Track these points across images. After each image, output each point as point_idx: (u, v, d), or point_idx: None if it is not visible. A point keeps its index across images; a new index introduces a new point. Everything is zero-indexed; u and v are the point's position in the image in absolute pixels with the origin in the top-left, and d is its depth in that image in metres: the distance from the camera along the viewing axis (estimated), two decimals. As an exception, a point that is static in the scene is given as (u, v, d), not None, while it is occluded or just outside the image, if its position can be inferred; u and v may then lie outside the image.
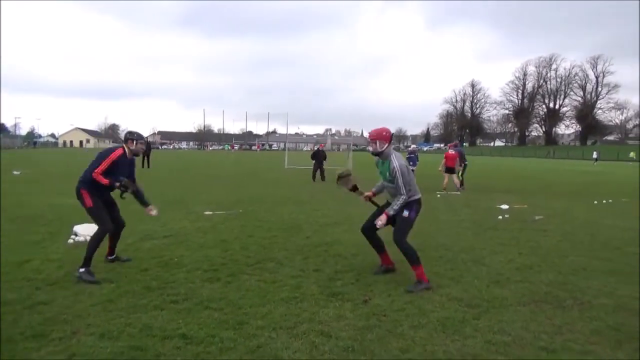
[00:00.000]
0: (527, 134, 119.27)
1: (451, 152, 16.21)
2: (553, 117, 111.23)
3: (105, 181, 5.02)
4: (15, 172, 19.95)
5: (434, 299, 4.52)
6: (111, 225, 5.21)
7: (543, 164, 48.66)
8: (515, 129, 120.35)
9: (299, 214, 9.90)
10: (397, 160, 4.92)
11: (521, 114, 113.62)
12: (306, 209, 10.58)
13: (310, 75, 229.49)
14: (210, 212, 9.77)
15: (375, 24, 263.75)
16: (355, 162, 31.80)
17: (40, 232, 7.30)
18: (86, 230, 6.55)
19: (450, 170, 15.80)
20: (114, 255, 5.66)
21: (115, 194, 5.39)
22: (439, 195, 14.32)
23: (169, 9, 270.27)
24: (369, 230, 5.32)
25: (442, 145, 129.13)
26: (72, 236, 6.81)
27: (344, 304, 4.31)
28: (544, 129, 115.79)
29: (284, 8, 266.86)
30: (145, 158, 25.61)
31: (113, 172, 5.12)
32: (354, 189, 5.49)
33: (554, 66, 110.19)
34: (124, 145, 5.36)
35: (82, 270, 4.86)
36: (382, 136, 5.00)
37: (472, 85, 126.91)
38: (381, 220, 4.97)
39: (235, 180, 19.57)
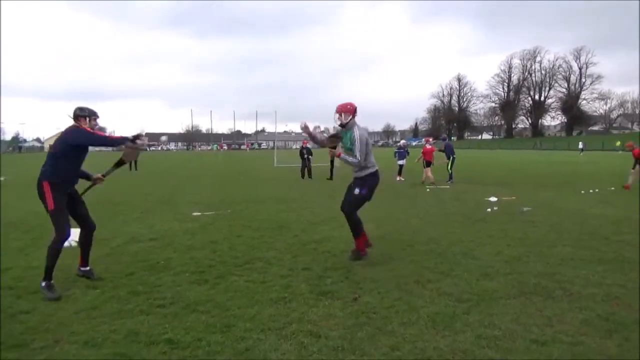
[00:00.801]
0: (513, 126, 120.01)
1: (428, 146, 17.23)
2: (539, 109, 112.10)
3: (114, 137, 4.76)
4: (0, 179, 19.62)
5: (424, 294, 4.49)
6: (69, 231, 4.67)
7: (530, 155, 49.09)
8: (502, 122, 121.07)
9: (288, 212, 9.84)
10: (359, 131, 5.46)
11: (507, 107, 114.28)
12: (295, 207, 10.52)
13: (297, 73, 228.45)
14: (199, 213, 9.67)
15: (360, 21, 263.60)
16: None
17: (22, 239, 7.16)
18: (75, 235, 6.38)
19: (428, 163, 16.60)
20: (88, 267, 5.05)
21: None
22: (428, 190, 14.35)
23: (157, 9, 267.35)
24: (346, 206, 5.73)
25: (430, 139, 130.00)
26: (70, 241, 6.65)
27: (334, 303, 4.26)
28: (530, 121, 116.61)
29: (271, 8, 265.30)
30: (133, 160, 25.34)
31: (73, 152, 4.65)
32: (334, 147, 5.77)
33: (538, 58, 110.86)
34: (77, 124, 4.72)
35: (43, 284, 4.46)
36: (347, 109, 5.55)
37: (459, 79, 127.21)
38: (333, 152, 5.67)
39: (224, 180, 19.44)
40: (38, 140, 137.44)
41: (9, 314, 4.00)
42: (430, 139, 21.75)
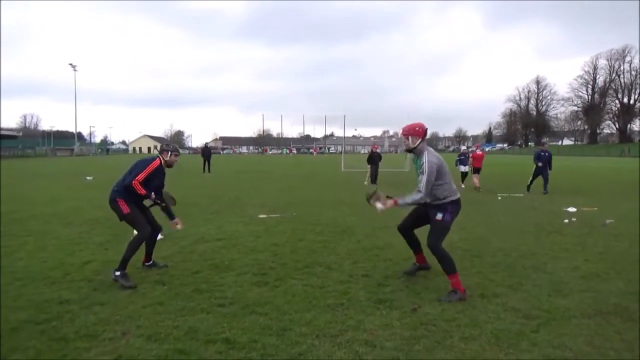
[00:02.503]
0: (598, 131, 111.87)
1: (478, 152, 16.82)
2: (628, 112, 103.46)
3: (142, 191, 5.10)
4: (88, 178, 21.26)
5: (489, 308, 4.27)
6: (150, 229, 5.26)
7: (617, 163, 45.47)
8: (586, 127, 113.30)
9: (352, 216, 9.80)
10: (429, 157, 4.63)
11: (592, 111, 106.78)
12: (360, 212, 10.44)
13: (367, 76, 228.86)
14: (265, 215, 9.88)
15: (434, 23, 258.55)
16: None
17: (104, 235, 7.68)
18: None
19: (476, 169, 16.30)
20: (151, 262, 5.66)
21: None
22: (499, 198, 13.70)
23: (233, 20, 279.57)
24: (405, 228, 5.24)
25: (505, 145, 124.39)
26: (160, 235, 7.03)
27: (392, 312, 4.17)
28: (617, 126, 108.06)
29: (342, 14, 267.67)
30: (206, 163, 26.49)
31: (148, 181, 5.20)
32: (388, 197, 4.94)
33: (627, 58, 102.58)
34: (160, 156, 5.43)
35: (117, 273, 4.91)
36: (415, 131, 4.74)
37: (537, 82, 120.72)
38: (382, 205, 4.76)
39: (291, 183, 19.76)
40: (123, 142, 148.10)
41: (85, 305, 4.29)
42: (480, 144, 21.07)
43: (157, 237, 5.65)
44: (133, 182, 5.06)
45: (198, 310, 4.18)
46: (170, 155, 5.42)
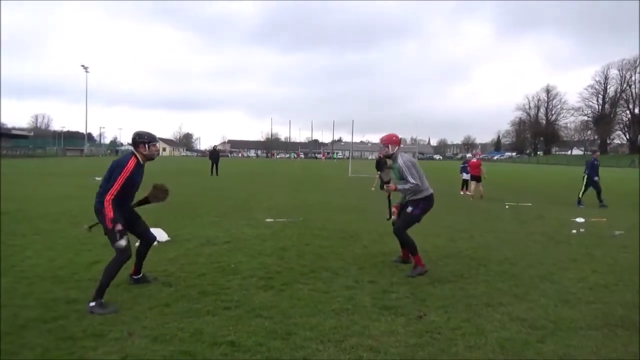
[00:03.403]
0: (608, 141, 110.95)
1: (474, 160, 16.79)
2: (638, 123, 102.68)
3: (111, 214, 4.24)
4: (97, 178, 21.41)
5: (494, 317, 4.25)
6: (129, 254, 4.40)
7: (627, 173, 45.05)
8: (595, 137, 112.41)
9: (359, 222, 9.79)
10: (402, 158, 5.77)
11: (602, 121, 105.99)
12: (367, 218, 10.44)
13: (377, 83, 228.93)
14: (272, 219, 9.90)
15: (446, 32, 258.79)
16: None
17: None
18: (156, 234, 6.79)
19: (475, 178, 16.29)
20: (140, 275, 5.02)
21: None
22: (507, 206, 13.63)
23: (248, 26, 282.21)
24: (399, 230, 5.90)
25: (514, 154, 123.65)
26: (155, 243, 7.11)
27: (397, 319, 4.16)
28: (628, 137, 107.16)
29: (354, 21, 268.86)
30: (214, 165, 26.62)
31: (130, 187, 4.52)
32: (387, 182, 5.97)
33: (639, 69, 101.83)
34: (135, 152, 4.59)
35: (92, 304, 4.13)
36: (393, 140, 5.91)
37: (547, 91, 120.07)
38: (390, 188, 5.85)
39: (299, 187, 19.79)
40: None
41: (92, 304, 4.31)
42: (478, 152, 20.85)
43: (148, 249, 5.06)
44: (105, 200, 4.30)
45: (204, 312, 4.20)
46: (149, 146, 4.60)
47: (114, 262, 4.35)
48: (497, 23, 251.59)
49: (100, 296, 4.21)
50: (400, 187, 5.74)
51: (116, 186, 4.34)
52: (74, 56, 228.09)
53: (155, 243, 5.31)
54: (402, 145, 6.08)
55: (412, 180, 5.61)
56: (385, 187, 5.94)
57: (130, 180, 4.44)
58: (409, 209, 5.80)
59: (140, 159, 4.58)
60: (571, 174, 34.54)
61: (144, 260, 5.06)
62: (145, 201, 5.17)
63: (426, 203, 5.80)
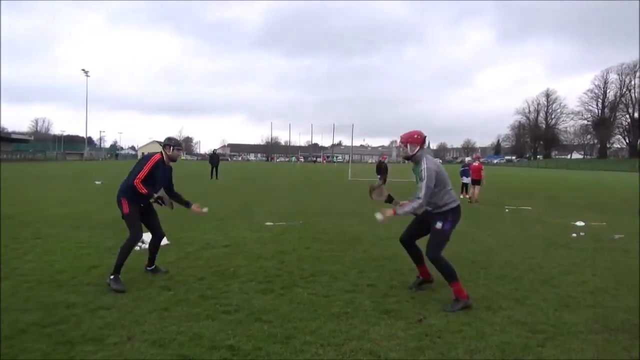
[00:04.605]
0: (608, 145, 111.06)
1: (475, 164, 16.81)
2: (638, 127, 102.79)
3: (144, 190, 5.07)
4: (97, 182, 21.42)
5: (495, 321, 4.24)
6: (141, 235, 5.32)
7: (627, 177, 45.07)
8: (595, 141, 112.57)
9: (359, 226, 9.78)
10: (427, 163, 4.65)
11: (601, 125, 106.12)
12: (367, 221, 10.42)
13: (377, 87, 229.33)
14: (272, 223, 9.89)
15: (447, 37, 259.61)
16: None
17: (114, 239, 7.71)
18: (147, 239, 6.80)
19: (474, 181, 16.31)
20: (154, 266, 5.69)
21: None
22: (507, 210, 13.63)
23: (249, 31, 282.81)
24: (407, 240, 5.16)
25: (513, 157, 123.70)
26: (140, 243, 7.11)
27: (397, 323, 4.15)
28: (627, 141, 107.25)
29: (356, 26, 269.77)
30: (214, 169, 26.62)
31: (152, 178, 5.21)
32: (390, 199, 5.21)
33: (638, 73, 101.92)
34: (162, 150, 5.44)
35: (111, 277, 4.97)
36: (413, 139, 4.76)
37: (547, 95, 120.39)
38: (382, 215, 4.71)
39: (299, 191, 19.79)
40: (132, 148, 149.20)
41: (91, 308, 4.31)
42: (479, 156, 20.72)
43: (160, 243, 5.69)
44: (135, 181, 5.09)
45: (203, 316, 4.19)
46: (173, 149, 5.42)
47: (127, 242, 5.16)
48: (498, 29, 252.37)
49: (118, 272, 5.01)
50: (401, 211, 4.69)
51: (143, 172, 5.12)
52: (75, 61, 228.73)
53: (166, 242, 5.99)
54: (425, 147, 4.95)
55: (419, 195, 4.55)
56: (378, 215, 4.77)
57: (153, 170, 5.19)
58: (438, 224, 4.69)
59: (165, 157, 5.39)
60: (571, 178, 34.56)
61: (156, 254, 5.68)
62: (159, 199, 5.33)
63: (455, 214, 4.76)
